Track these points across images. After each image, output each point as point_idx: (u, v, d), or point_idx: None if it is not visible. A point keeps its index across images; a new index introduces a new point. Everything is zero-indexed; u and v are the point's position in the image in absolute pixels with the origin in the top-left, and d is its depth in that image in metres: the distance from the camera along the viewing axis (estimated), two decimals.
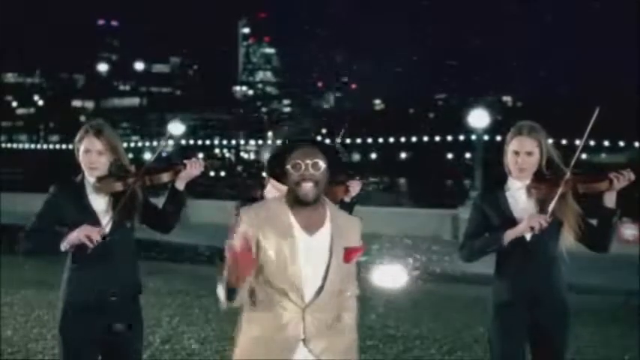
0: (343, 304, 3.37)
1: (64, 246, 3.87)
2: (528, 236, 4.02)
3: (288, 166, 3.29)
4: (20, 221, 4.12)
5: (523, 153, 4.07)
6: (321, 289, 3.26)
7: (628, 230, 15.29)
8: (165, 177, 4.12)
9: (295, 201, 3.29)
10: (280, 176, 3.37)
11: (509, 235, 4.02)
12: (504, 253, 4.05)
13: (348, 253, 3.30)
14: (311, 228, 3.30)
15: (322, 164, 3.28)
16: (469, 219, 4.29)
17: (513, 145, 4.10)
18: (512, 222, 4.05)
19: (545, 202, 3.99)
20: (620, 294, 11.44)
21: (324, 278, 3.26)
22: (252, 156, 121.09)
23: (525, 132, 4.09)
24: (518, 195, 4.12)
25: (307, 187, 3.24)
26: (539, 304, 4.04)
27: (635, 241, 15.30)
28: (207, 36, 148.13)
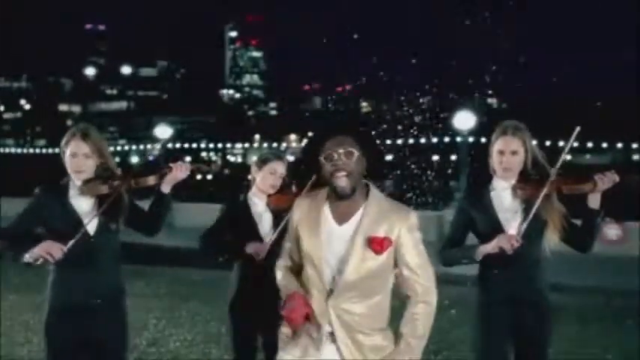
0: (385, 306, 3.35)
1: (26, 258, 3.85)
2: None
3: (321, 157, 3.28)
4: (4, 225, 4.11)
5: (508, 152, 4.08)
6: (340, 275, 3.24)
7: (611, 231, 15.36)
8: (151, 180, 4.13)
9: (333, 193, 3.29)
10: (314, 169, 3.36)
11: (481, 251, 4.05)
12: (488, 254, 4.06)
13: (376, 243, 3.24)
14: (342, 218, 3.30)
15: (356, 153, 3.26)
16: (452, 222, 4.32)
17: (498, 144, 4.12)
18: (497, 223, 4.07)
19: (530, 202, 4.01)
20: (603, 294, 11.51)
21: (344, 266, 3.24)
22: (240, 159, 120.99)
23: (510, 132, 4.10)
24: (503, 195, 4.13)
25: (341, 179, 3.23)
26: (523, 304, 4.06)
27: (618, 241, 15.40)
28: (195, 39, 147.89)
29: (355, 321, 3.26)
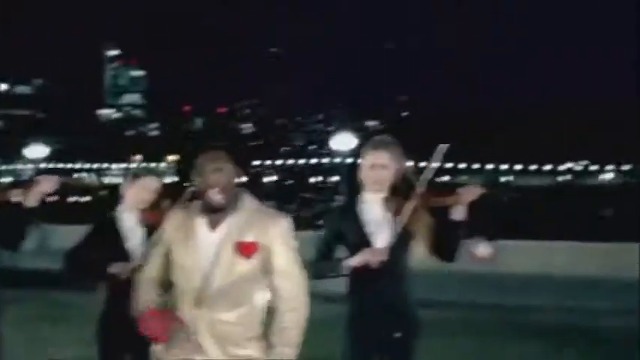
0: (257, 316, 3.36)
1: None
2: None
3: (195, 173, 3.33)
4: None
5: (378, 166, 4.13)
6: (210, 282, 3.25)
7: (482, 248, 15.84)
8: (15, 194, 4.01)
9: (207, 205, 3.32)
10: (189, 184, 3.46)
11: (348, 264, 4.09)
12: (356, 267, 4.09)
13: (243, 248, 3.29)
14: (213, 225, 3.33)
15: (226, 168, 3.31)
16: (322, 235, 4.32)
17: (368, 158, 4.17)
18: (365, 236, 4.10)
19: (398, 215, 4.07)
20: (472, 308, 11.90)
21: (214, 272, 3.26)
22: (117, 180, 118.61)
23: (381, 146, 4.16)
24: (372, 208, 4.16)
25: (213, 194, 3.28)
26: (390, 316, 4.10)
27: (488, 258, 15.93)
28: (72, 57, 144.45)
29: (226, 330, 3.27)
